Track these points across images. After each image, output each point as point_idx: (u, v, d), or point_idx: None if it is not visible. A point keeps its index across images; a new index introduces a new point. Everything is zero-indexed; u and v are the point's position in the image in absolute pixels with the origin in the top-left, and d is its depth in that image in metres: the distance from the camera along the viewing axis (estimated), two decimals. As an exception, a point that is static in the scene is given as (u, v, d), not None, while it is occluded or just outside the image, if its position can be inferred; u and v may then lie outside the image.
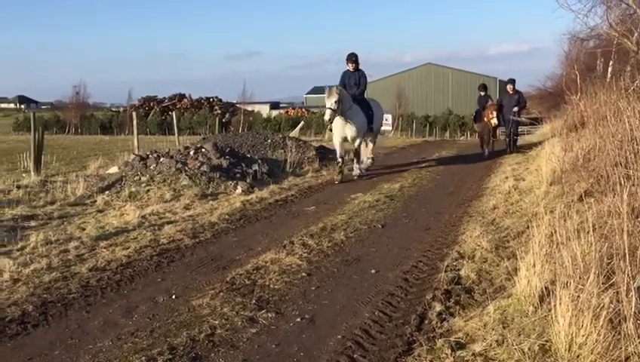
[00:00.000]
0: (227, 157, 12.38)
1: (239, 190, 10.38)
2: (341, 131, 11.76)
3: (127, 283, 5.53)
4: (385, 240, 7.05)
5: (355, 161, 12.33)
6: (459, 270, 5.51)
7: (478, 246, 6.23)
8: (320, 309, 4.77)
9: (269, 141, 15.28)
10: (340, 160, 11.94)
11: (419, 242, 6.95)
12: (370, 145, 13.27)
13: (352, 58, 12.13)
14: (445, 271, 5.44)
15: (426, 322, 4.37)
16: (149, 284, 5.49)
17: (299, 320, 4.54)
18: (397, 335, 4.19)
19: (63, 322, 4.58)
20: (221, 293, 5.08)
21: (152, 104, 57.70)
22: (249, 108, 54.97)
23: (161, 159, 11.80)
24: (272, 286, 5.31)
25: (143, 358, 3.86)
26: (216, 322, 4.45)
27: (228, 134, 20.55)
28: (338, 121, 11.55)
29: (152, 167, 11.31)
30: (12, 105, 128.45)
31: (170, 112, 42.63)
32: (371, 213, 8.61)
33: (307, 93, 75.89)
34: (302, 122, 36.60)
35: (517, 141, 17.24)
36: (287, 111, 58.82)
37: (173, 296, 5.10)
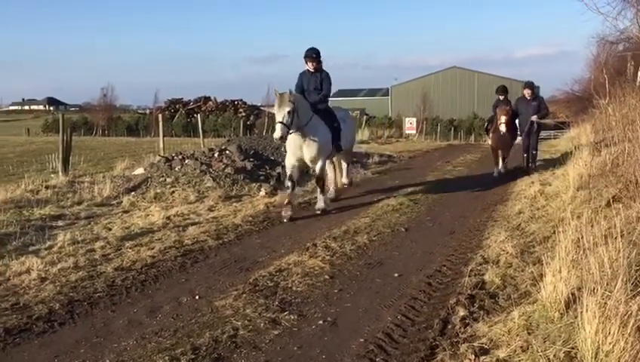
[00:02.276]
0: (251, 159, 12.46)
1: (263, 192, 10.43)
2: (296, 151, 8.69)
3: (151, 283, 5.59)
4: (408, 244, 7.02)
5: (318, 190, 9.15)
6: (483, 275, 5.45)
7: (503, 251, 6.15)
8: (342, 312, 4.76)
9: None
10: (288, 185, 8.75)
11: (442, 246, 6.90)
12: (344, 165, 10.47)
13: (313, 55, 8.99)
14: (469, 276, 5.39)
15: (450, 327, 4.33)
16: (173, 285, 5.54)
17: (321, 322, 4.54)
18: (420, 339, 4.16)
19: (89, 320, 4.65)
20: (244, 295, 5.10)
21: (177, 106, 58.28)
22: (273, 110, 55.21)
23: (186, 161, 11.92)
24: (294, 288, 5.32)
25: (167, 358, 3.89)
26: (239, 323, 4.47)
27: (252, 137, 20.67)
28: (293, 138, 8.49)
29: (176, 169, 11.43)
30: (41, 107, 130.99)
31: (195, 115, 43.01)
32: (395, 217, 8.57)
33: (332, 97, 75.99)
34: (326, 125, 36.68)
35: (536, 157, 13.46)
36: (311, 115, 58.90)
37: (197, 297, 5.14)
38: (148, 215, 8.41)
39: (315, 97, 9.00)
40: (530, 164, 12.94)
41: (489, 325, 4.20)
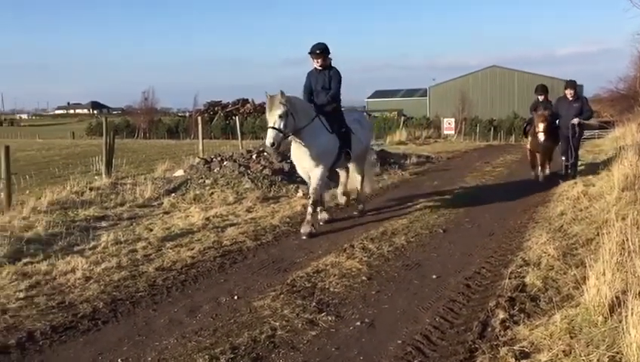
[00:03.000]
0: (288, 160, 12.50)
1: (300, 193, 10.47)
2: (301, 160, 7.88)
3: (191, 283, 5.68)
4: (446, 245, 6.95)
5: (310, 202, 7.73)
6: (524, 277, 5.35)
7: (545, 253, 6.03)
8: (380, 313, 4.75)
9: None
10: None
11: (482, 248, 6.81)
12: (357, 177, 9.02)
13: (317, 51, 7.92)
14: (509, 278, 5.31)
15: (489, 329, 4.27)
16: (212, 285, 5.62)
17: (359, 323, 4.54)
18: (459, 342, 4.12)
19: (131, 319, 4.76)
20: (282, 295, 5.14)
21: (216, 109, 59.08)
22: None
23: (225, 163, 12.07)
24: (332, 289, 5.33)
25: (206, 357, 3.95)
26: (277, 323, 4.51)
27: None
28: (296, 146, 7.74)
29: (215, 171, 11.59)
30: (86, 111, 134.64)
31: (233, 117, 43.52)
32: (432, 218, 8.50)
33: (369, 98, 75.74)
34: (363, 126, 36.57)
35: (577, 165, 12.03)
36: (348, 116, 58.86)
37: (236, 297, 5.21)
38: (188, 216, 8.55)
39: (322, 98, 7.98)
40: (569, 171, 11.73)
41: (530, 328, 4.13)
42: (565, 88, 11.73)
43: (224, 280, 5.74)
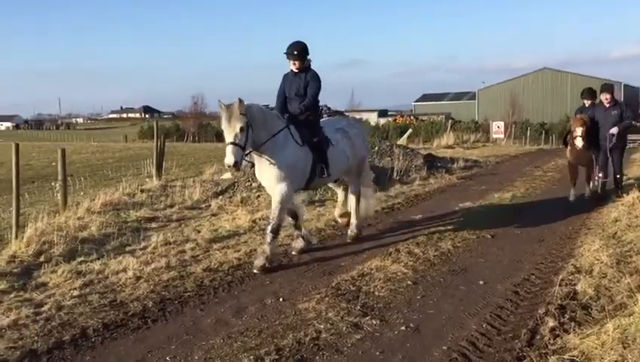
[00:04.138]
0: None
1: (346, 197, 10.46)
2: (263, 179, 6.78)
3: (237, 284, 5.76)
4: (494, 251, 6.82)
5: (267, 230, 6.38)
6: (575, 285, 5.21)
7: (597, 260, 5.85)
8: (425, 318, 4.71)
9: (376, 148, 15.28)
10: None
11: (531, 254, 6.66)
12: (352, 198, 7.68)
13: (295, 52, 6.75)
14: (560, 286, 5.17)
15: (538, 337, 4.18)
16: (257, 286, 5.69)
17: (403, 328, 4.51)
18: (506, 349, 4.05)
19: (179, 318, 4.86)
20: (326, 298, 5.15)
21: (322, 110, 59.72)
22: (357, 115, 55.43)
23: (272, 166, 12.16)
24: (376, 293, 5.31)
25: (251, 357, 4.00)
26: (322, 326, 4.52)
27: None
28: (258, 160, 6.60)
29: (262, 174, 11.69)
30: (138, 115, 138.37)
31: (280, 121, 44.03)
32: (480, 223, 8.35)
33: (416, 101, 75.19)
34: (410, 130, 36.29)
35: (621, 181, 10.24)
36: (395, 119, 58.61)
37: (281, 299, 5.25)
38: (235, 218, 8.67)
39: (295, 107, 6.80)
40: (615, 186, 10.05)
41: (581, 337, 4.01)
42: (600, 93, 10.10)
43: (270, 282, 5.80)
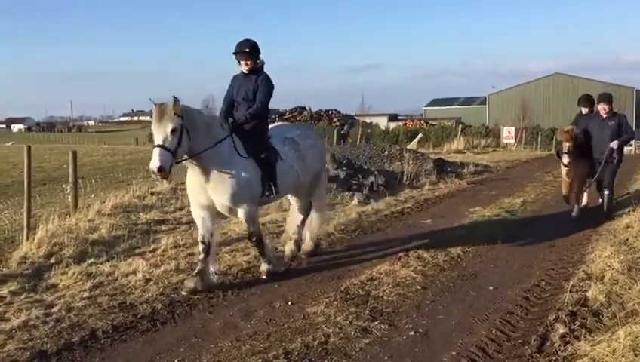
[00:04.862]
0: (344, 168, 12.56)
1: (355, 201, 10.47)
2: (199, 195, 5.76)
3: (246, 287, 5.76)
4: (504, 256, 6.79)
5: (253, 244, 6.13)
6: (585, 291, 5.17)
7: (609, 266, 5.81)
8: (434, 324, 4.69)
9: (386, 153, 15.28)
10: (199, 250, 5.89)
11: (541, 260, 6.62)
12: (298, 217, 6.91)
13: (246, 50, 6.02)
14: (570, 292, 5.13)
15: (548, 344, 4.15)
16: (266, 290, 5.68)
17: (412, 333, 4.49)
18: (516, 355, 4.02)
19: (188, 321, 4.87)
20: (335, 302, 5.14)
21: (273, 116, 59.62)
22: (367, 120, 55.35)
23: (281, 169, 12.17)
24: (385, 297, 5.30)
25: (260, 360, 4.01)
26: (330, 330, 4.51)
27: (345, 146, 20.82)
28: (192, 174, 5.72)
29: (272, 177, 11.70)
30: (148, 118, 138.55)
31: (290, 124, 44.12)
32: (490, 228, 8.32)
33: (426, 105, 75.00)
34: (420, 134, 36.21)
35: (611, 200, 9.19)
36: (405, 123, 58.49)
37: (289, 303, 5.25)
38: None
39: (241, 113, 6.03)
40: (604, 206, 9.15)
41: (591, 344, 3.98)
42: (598, 103, 9.22)
43: (278, 286, 5.80)
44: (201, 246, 5.83)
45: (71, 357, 4.18)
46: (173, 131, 5.14)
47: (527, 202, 10.78)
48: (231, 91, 6.27)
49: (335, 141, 28.20)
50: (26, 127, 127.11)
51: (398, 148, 16.74)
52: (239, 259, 6.66)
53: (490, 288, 5.59)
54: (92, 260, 6.49)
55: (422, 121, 58.82)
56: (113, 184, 14.26)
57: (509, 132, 37.76)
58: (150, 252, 6.95)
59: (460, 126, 40.56)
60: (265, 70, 6.16)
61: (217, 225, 6.23)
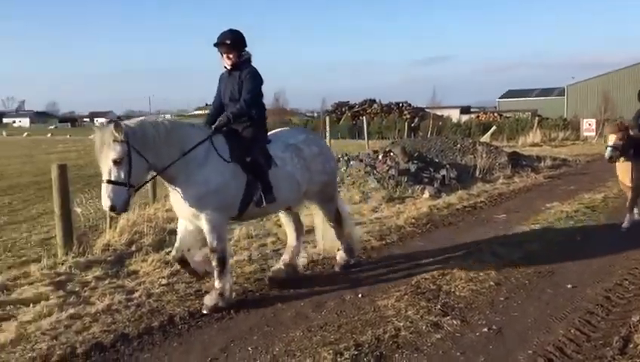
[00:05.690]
0: (415, 161, 12.42)
1: (426, 194, 10.34)
2: (178, 203, 5.08)
3: (316, 278, 5.82)
4: (583, 254, 6.51)
5: (214, 264, 5.08)
6: (673, 292, 4.90)
7: (699, 267, 5.47)
8: (509, 321, 4.57)
9: (458, 146, 14.98)
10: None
11: (624, 258, 6.31)
12: (292, 235, 6.19)
13: (228, 41, 5.30)
14: (656, 292, 4.88)
15: (631, 346, 3.96)
16: (336, 282, 5.71)
17: (485, 330, 4.40)
18: (596, 357, 3.87)
19: (261, 311, 4.97)
20: (406, 296, 5.11)
21: (343, 109, 59.85)
22: (438, 112, 54.44)
23: (351, 162, 12.23)
24: (457, 293, 5.21)
25: (331, 351, 4.03)
26: (401, 324, 4.49)
27: (416, 139, 20.57)
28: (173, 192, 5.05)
29: (342, 170, 11.76)
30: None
31: (360, 117, 43.88)
32: (569, 224, 8.01)
33: (500, 97, 72.85)
34: (494, 127, 35.23)
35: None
36: (478, 116, 57.08)
37: (360, 295, 5.25)
38: (312, 214, 8.73)
39: (229, 110, 5.34)
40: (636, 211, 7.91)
41: (680, 348, 3.77)
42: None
43: (349, 278, 5.82)
44: (174, 253, 5.30)
45: (151, 341, 4.36)
46: (116, 162, 4.44)
47: (609, 198, 10.28)
48: (218, 92, 5.58)
49: (406, 134, 27.93)
50: (108, 120, 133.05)
51: (470, 141, 16.36)
52: (309, 250, 6.72)
53: (569, 286, 5.38)
54: (169, 249, 6.71)
55: (495, 114, 57.21)
56: (188, 176, 14.70)
57: (589, 124, 36.09)
58: (224, 242, 7.12)
59: (537, 118, 39.15)
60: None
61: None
